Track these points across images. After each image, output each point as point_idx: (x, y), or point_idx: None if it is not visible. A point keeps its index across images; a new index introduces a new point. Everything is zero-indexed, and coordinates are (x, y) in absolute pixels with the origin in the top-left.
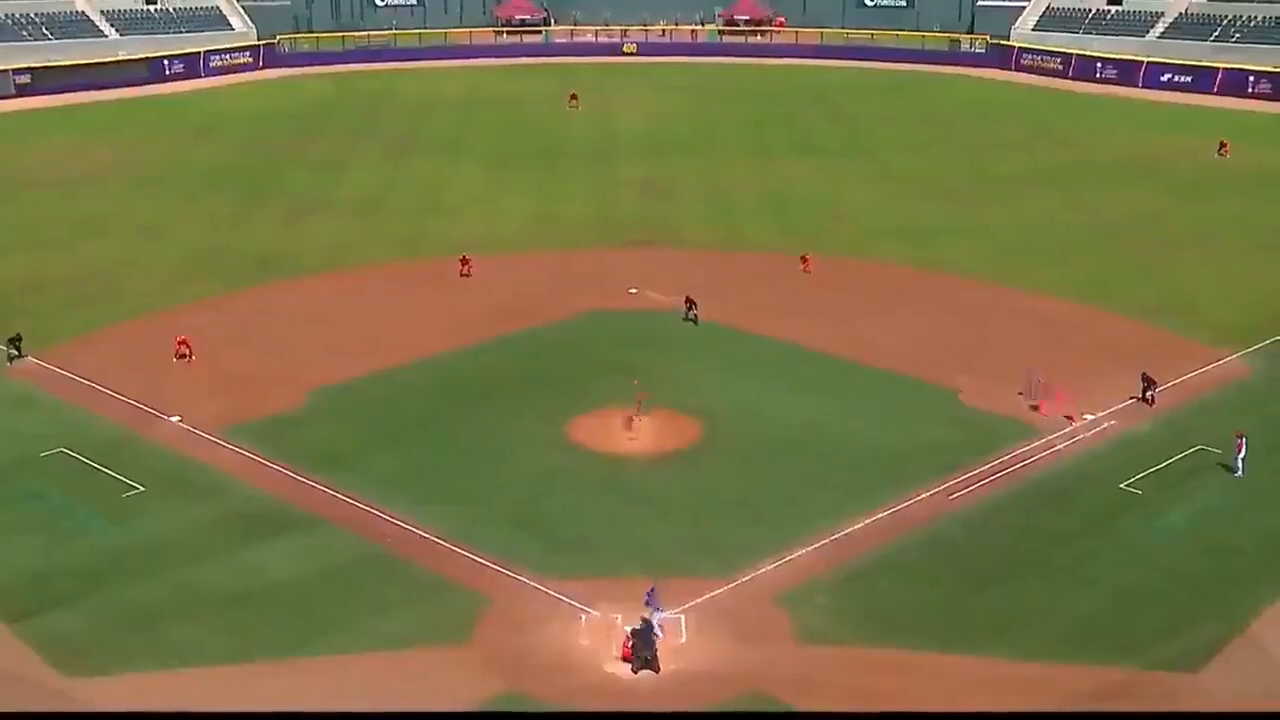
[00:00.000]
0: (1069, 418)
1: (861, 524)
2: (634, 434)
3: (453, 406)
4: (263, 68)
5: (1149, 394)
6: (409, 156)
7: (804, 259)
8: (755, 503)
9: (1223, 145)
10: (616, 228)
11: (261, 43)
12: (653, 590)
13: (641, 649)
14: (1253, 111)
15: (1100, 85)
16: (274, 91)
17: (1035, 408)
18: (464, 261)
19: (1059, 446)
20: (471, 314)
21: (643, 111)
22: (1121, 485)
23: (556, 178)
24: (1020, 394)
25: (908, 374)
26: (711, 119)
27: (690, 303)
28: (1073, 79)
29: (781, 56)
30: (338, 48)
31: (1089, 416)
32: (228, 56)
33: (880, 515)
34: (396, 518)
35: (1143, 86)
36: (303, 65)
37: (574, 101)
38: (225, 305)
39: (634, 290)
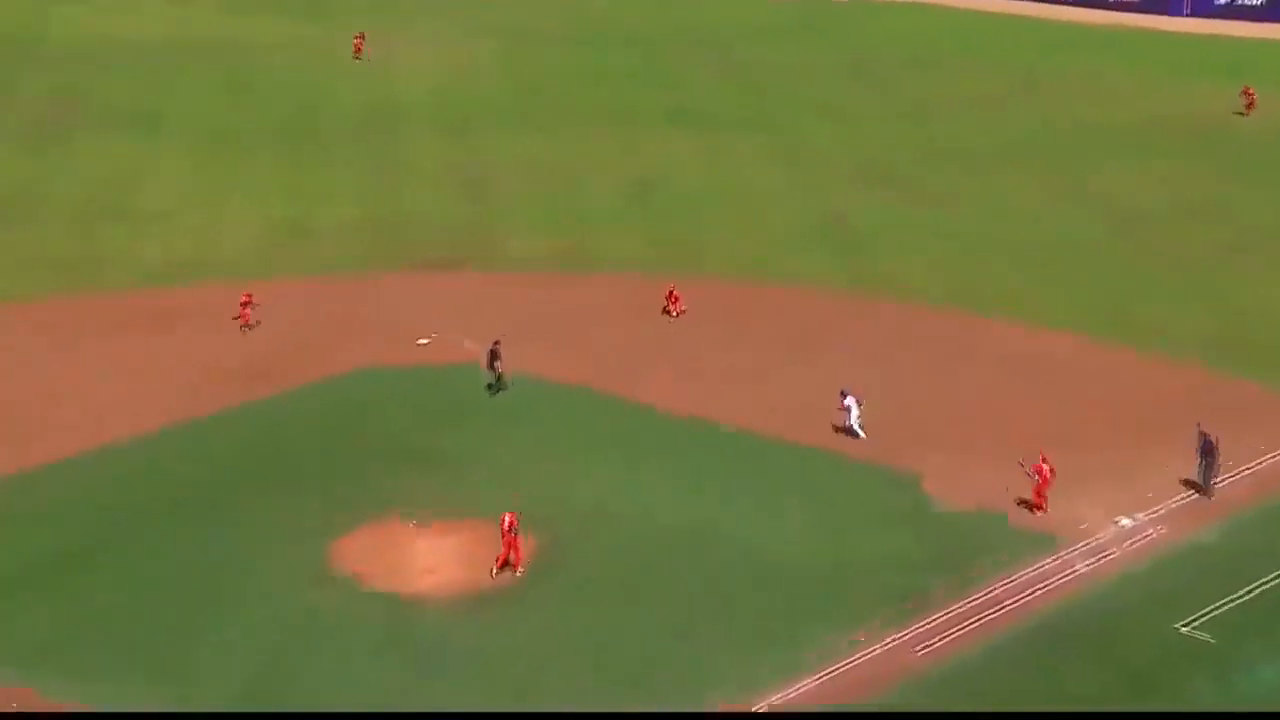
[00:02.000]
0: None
1: (779, 694)
2: (431, 565)
3: (149, 521)
4: None
5: (1209, 475)
6: (70, 135)
7: (670, 296)
8: (614, 664)
9: (1247, 96)
10: (403, 241)
11: None
12: None
13: None
14: None
15: (1113, 13)
16: None
17: (1034, 504)
18: (245, 304)
19: (1079, 568)
20: (181, 376)
21: (441, 63)
22: (1180, 628)
23: (311, 167)
24: (1021, 474)
25: (842, 451)
26: (544, 73)
27: (494, 355)
28: (1069, 3)
29: None
30: None
31: (1123, 521)
32: None
33: (806, 682)
34: (46, 709)
35: (1183, 14)
36: None
37: (360, 47)
38: None
39: (425, 340)
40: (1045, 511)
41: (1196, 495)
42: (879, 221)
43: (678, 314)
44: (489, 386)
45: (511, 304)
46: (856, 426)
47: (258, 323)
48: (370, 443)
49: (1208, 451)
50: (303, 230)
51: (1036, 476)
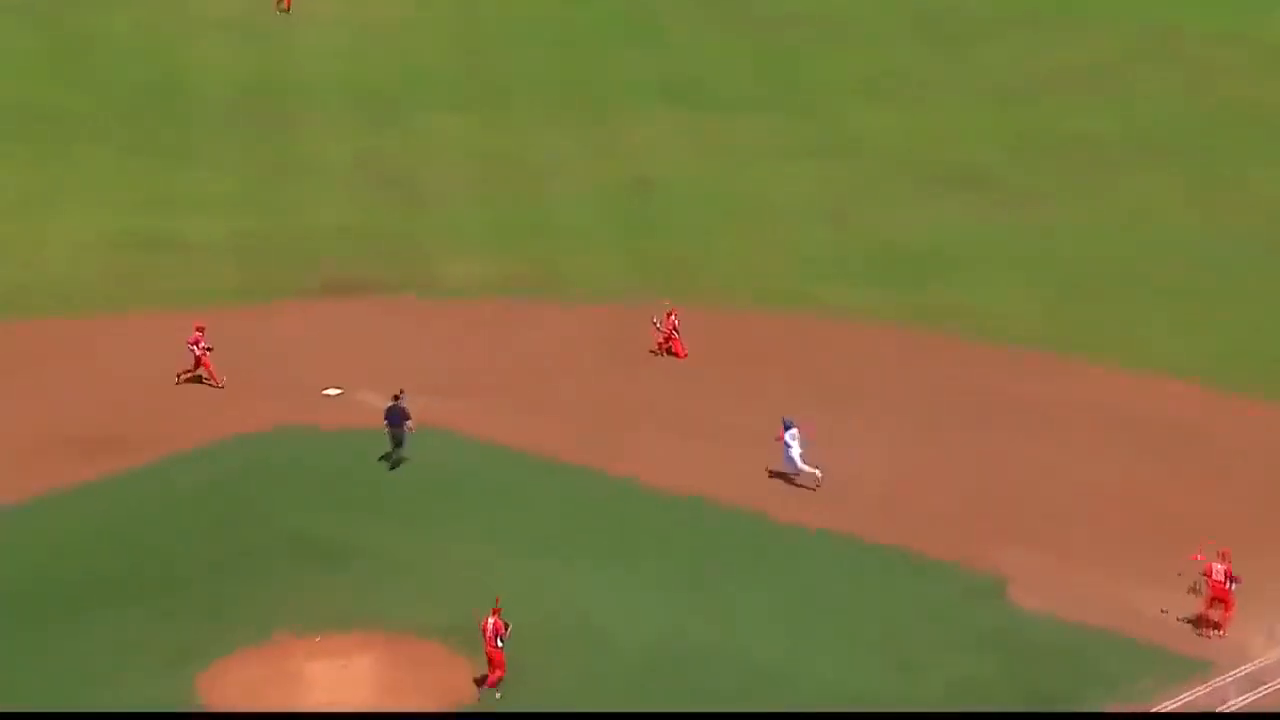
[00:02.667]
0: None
1: None
2: (336, 697)
3: None
4: None
5: None
6: None
7: (668, 326)
8: None
9: None
10: (300, 258)
11: None
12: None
13: None
14: None
15: None
16: None
17: (1207, 621)
18: (195, 342)
19: (1232, 699)
20: (4, 443)
21: (355, 18)
22: None
23: (172, 160)
24: (1187, 583)
25: (895, 545)
26: (493, 35)
27: (397, 413)
28: None
29: None
30: None
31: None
32: None
33: None
34: None
35: None
36: None
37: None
38: None
39: (334, 391)
40: (1223, 634)
41: None
42: (947, 236)
43: (674, 353)
44: (385, 456)
45: (450, 344)
46: (799, 461)
47: (222, 381)
48: (253, 533)
49: None
50: (161, 245)
51: (1206, 583)
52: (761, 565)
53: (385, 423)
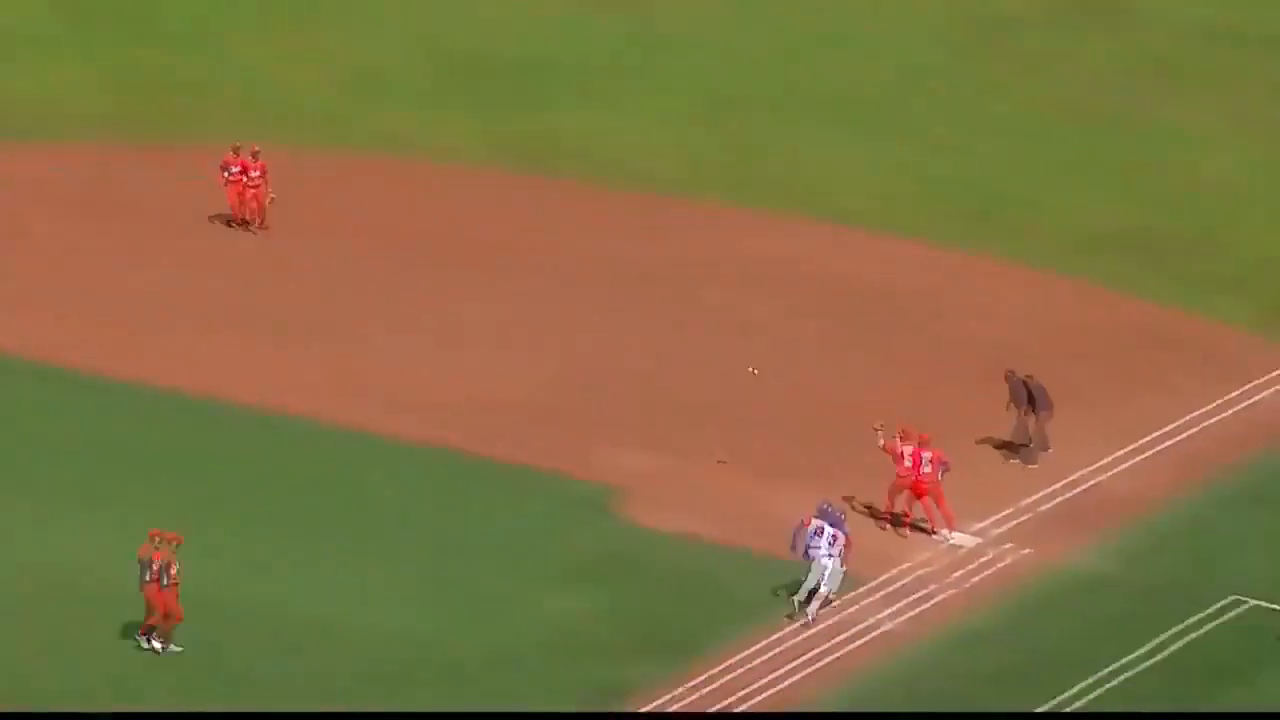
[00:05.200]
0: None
1: None
2: None
3: None
4: None
5: (1037, 438)
6: None
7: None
8: None
9: None
10: None
11: None
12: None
13: None
14: None
15: None
16: None
17: (887, 514)
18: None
19: (883, 623)
20: None
21: None
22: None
23: None
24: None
25: (484, 455)
26: None
27: None
28: None
29: None
30: None
31: (954, 538)
32: None
33: None
34: None
35: None
36: None
37: None
38: None
39: None
40: (906, 529)
41: (1080, 489)
42: (554, 44)
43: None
44: None
45: None
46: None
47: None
48: None
49: (1029, 403)
50: None
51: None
52: (312, 487)
53: None
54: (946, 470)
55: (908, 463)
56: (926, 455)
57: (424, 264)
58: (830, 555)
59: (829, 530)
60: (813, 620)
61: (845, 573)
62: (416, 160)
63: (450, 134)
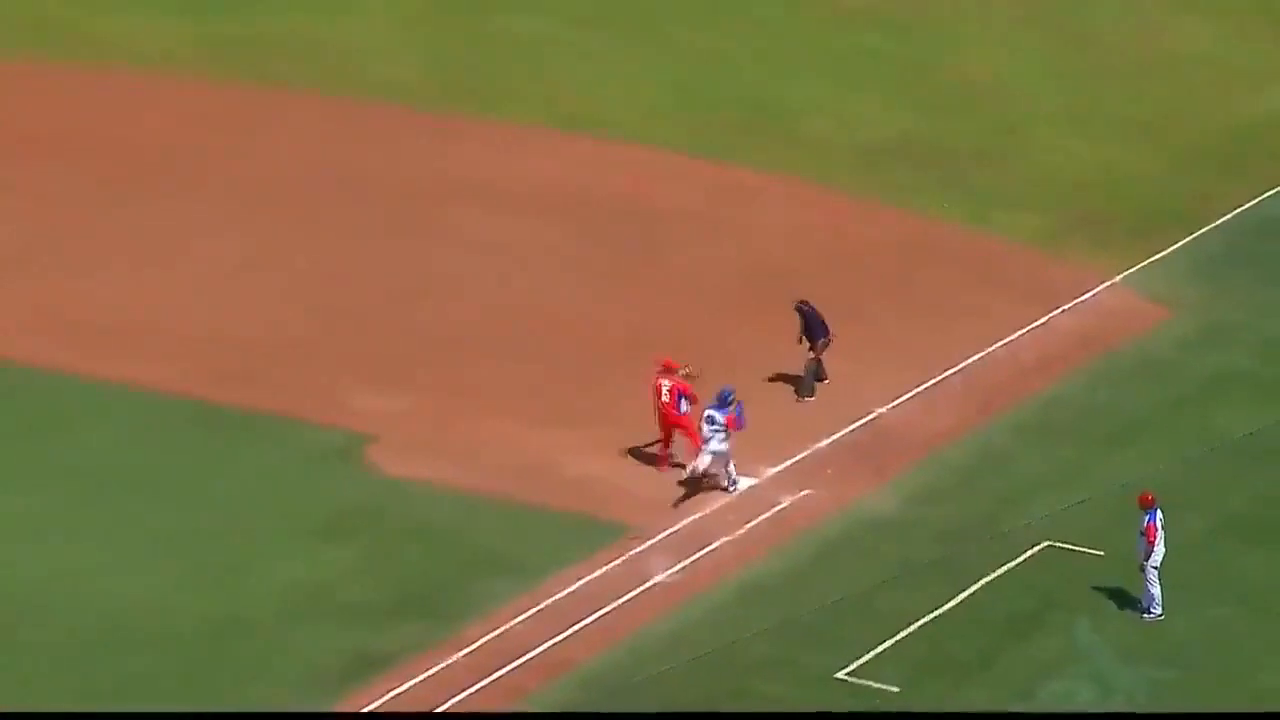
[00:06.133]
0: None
1: None
2: None
3: None
4: None
5: (815, 369)
6: None
7: None
8: None
9: None
10: None
11: None
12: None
13: None
14: None
15: None
16: None
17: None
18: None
19: (657, 576)
20: None
21: None
22: (844, 676)
23: None
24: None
25: (209, 399)
26: None
27: None
28: None
29: None
30: None
31: (738, 481)
32: None
33: None
34: None
35: None
36: None
37: None
38: None
39: None
40: (665, 466)
41: (864, 422)
42: None
43: None
44: None
45: None
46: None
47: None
48: None
49: (805, 332)
50: None
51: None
52: (12, 439)
53: None
54: (692, 402)
55: (665, 397)
56: (666, 384)
57: (133, 183)
58: (715, 437)
59: (714, 413)
60: (731, 488)
61: (724, 454)
62: (120, 67)
63: (157, 38)
